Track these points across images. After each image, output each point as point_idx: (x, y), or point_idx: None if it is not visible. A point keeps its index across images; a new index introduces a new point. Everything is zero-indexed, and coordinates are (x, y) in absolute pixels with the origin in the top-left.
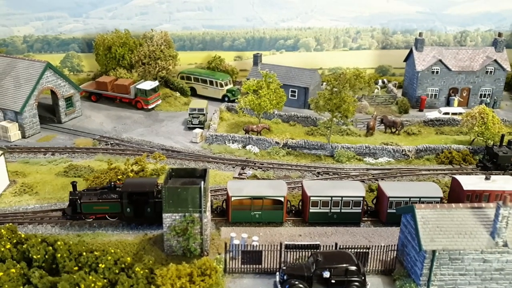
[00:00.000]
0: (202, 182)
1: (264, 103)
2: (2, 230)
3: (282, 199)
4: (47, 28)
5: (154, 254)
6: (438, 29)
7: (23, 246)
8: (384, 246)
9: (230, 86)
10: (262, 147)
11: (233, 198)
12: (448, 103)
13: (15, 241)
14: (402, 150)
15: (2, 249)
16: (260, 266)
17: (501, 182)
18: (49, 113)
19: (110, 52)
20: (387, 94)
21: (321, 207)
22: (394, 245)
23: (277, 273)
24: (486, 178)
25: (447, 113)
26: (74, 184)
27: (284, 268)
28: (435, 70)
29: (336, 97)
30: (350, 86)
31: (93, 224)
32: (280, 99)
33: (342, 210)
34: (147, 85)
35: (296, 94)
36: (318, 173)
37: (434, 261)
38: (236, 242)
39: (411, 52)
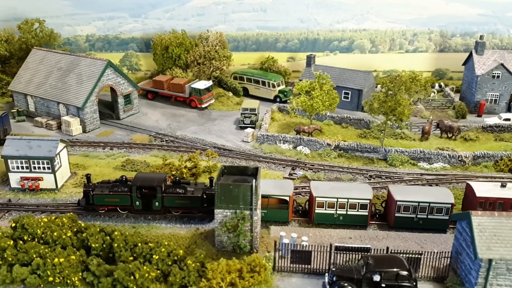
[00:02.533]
0: (254, 180)
1: (316, 104)
2: (64, 219)
3: (287, 198)
4: (108, 28)
5: (205, 248)
6: (501, 32)
7: (83, 235)
8: (437, 252)
9: (282, 87)
10: (313, 148)
11: None
12: (509, 109)
13: (75, 229)
14: (459, 156)
15: (64, 236)
16: (309, 266)
17: None
18: (108, 110)
19: (167, 52)
20: (444, 98)
21: (326, 208)
22: (448, 252)
23: (326, 274)
24: (502, 186)
25: (507, 119)
26: (88, 177)
27: (334, 269)
28: (496, 75)
29: (391, 100)
30: (405, 89)
31: (147, 216)
32: (333, 101)
33: (348, 212)
34: (202, 84)
35: (349, 96)
36: (370, 176)
37: (490, 271)
38: (285, 241)
39: (470, 55)
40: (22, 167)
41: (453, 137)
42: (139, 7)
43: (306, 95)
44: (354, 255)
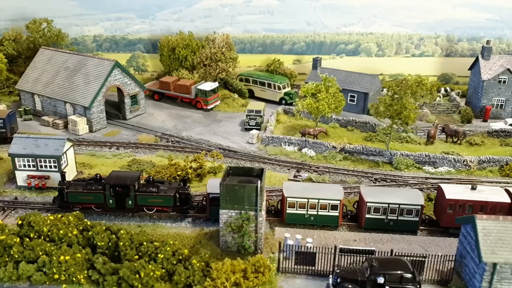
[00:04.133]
0: (259, 181)
1: (322, 107)
2: (70, 217)
3: None
4: (116, 28)
5: (209, 248)
6: (508, 37)
7: (89, 233)
8: (441, 255)
9: (288, 89)
10: (318, 150)
11: (211, 195)
12: None
13: (81, 227)
14: (464, 160)
15: (70, 234)
16: (313, 268)
17: (487, 193)
18: (115, 110)
19: (174, 53)
20: (450, 103)
21: (298, 209)
22: (452, 255)
23: (330, 276)
24: (472, 188)
25: None
26: (62, 174)
27: (338, 271)
28: (503, 80)
29: (397, 104)
30: (411, 93)
31: (153, 216)
32: (338, 104)
33: (319, 213)
34: (207, 86)
35: (355, 99)
36: (376, 179)
37: (494, 275)
38: (290, 242)
39: (477, 60)
40: (29, 165)
41: (459, 141)
42: (146, 8)
43: (312, 97)
44: (358, 258)
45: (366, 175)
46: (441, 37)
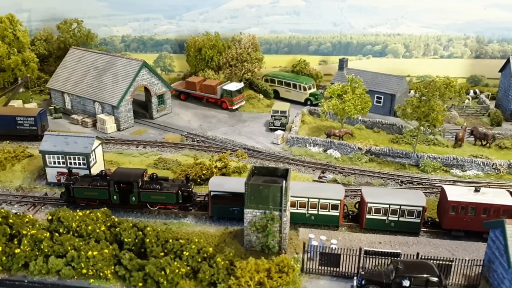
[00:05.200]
0: (284, 181)
1: (348, 108)
2: (98, 213)
3: None
4: (143, 29)
5: (234, 247)
6: None
7: (116, 229)
8: (468, 260)
9: (313, 90)
10: (343, 152)
11: (212, 193)
12: None
13: (109, 224)
14: (493, 164)
15: (98, 230)
16: (337, 269)
17: (490, 195)
18: (142, 109)
19: (200, 54)
20: (479, 105)
21: (298, 208)
22: (480, 260)
23: (355, 277)
24: (476, 190)
25: None
26: (70, 170)
27: (363, 273)
28: None
29: (424, 105)
30: (439, 94)
31: (178, 213)
32: (365, 105)
33: (320, 212)
34: (233, 86)
35: (381, 100)
36: (402, 182)
37: None
38: (314, 243)
39: (508, 62)
40: (59, 162)
41: (488, 144)
42: (174, 9)
43: (337, 98)
44: (383, 260)
45: (392, 177)
46: (471, 38)
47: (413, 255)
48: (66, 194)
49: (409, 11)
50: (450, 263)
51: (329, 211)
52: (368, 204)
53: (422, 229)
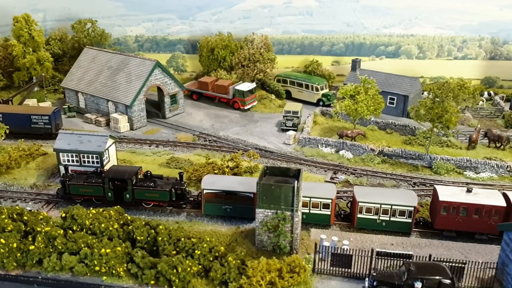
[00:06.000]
0: (296, 182)
1: (361, 109)
2: (111, 211)
3: (252, 195)
4: (157, 29)
5: (245, 246)
6: None
7: (129, 227)
8: (482, 262)
9: (326, 90)
10: (356, 153)
11: (205, 191)
12: None
13: (121, 222)
14: (507, 166)
15: (111, 228)
16: (349, 270)
17: (482, 196)
18: (155, 109)
19: (213, 54)
20: (493, 107)
21: None
22: (494, 263)
23: (367, 278)
24: (468, 191)
25: None
26: (66, 168)
27: (374, 274)
28: None
29: (438, 107)
30: (453, 96)
31: (190, 213)
32: (378, 106)
33: (311, 211)
34: (245, 86)
35: (394, 101)
36: (414, 183)
37: None
38: (326, 244)
39: None
40: (73, 161)
41: (502, 147)
42: (187, 9)
43: (350, 99)
44: (395, 262)
45: (405, 178)
46: (486, 39)
47: (426, 257)
48: (62, 190)
49: (423, 12)
50: (463, 265)
51: (320, 210)
52: (359, 204)
53: (413, 229)
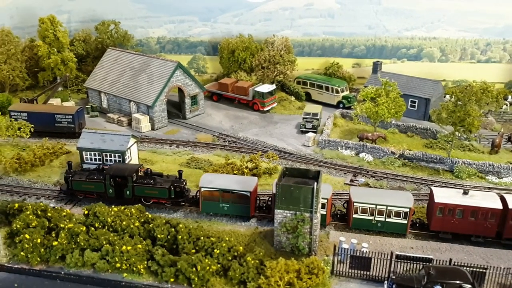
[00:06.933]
0: (315, 183)
1: (381, 112)
2: (132, 210)
3: (248, 194)
4: (178, 31)
5: (263, 247)
6: None
7: (149, 225)
8: (504, 268)
9: (346, 92)
10: (376, 156)
11: (203, 189)
12: None
13: (142, 220)
14: None
15: (132, 226)
16: (368, 273)
17: (479, 198)
18: (175, 109)
19: (233, 56)
20: None
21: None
22: None
23: (386, 281)
24: (464, 193)
25: None
26: (69, 164)
27: (394, 277)
28: None
29: (460, 110)
30: (476, 99)
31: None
32: (399, 109)
33: None
34: (265, 88)
35: (416, 104)
36: (435, 187)
37: None
38: (345, 246)
39: None
40: (95, 159)
41: None
42: (209, 11)
43: (371, 101)
44: (414, 265)
45: (425, 182)
46: (510, 42)
47: (446, 261)
48: (66, 186)
49: (447, 15)
50: (484, 270)
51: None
52: (355, 204)
53: (409, 231)
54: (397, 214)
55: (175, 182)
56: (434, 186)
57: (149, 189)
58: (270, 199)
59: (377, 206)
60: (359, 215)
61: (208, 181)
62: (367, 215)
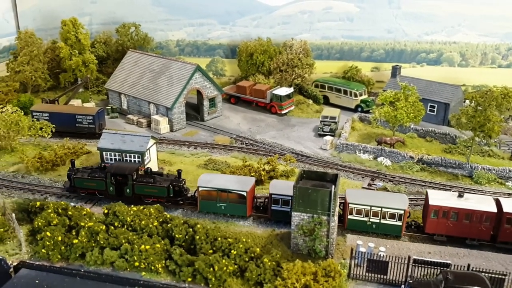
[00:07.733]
0: (333, 186)
1: (400, 116)
2: (151, 209)
3: (245, 194)
4: (198, 34)
5: (280, 249)
6: None
7: (168, 225)
8: None
9: (364, 96)
10: (394, 160)
11: (201, 189)
12: None
13: (161, 220)
14: None
15: (150, 225)
16: (385, 277)
17: (473, 202)
18: (194, 111)
19: (252, 59)
20: None
21: (282, 206)
22: None
23: (402, 286)
24: (459, 196)
25: None
26: (72, 162)
27: (411, 281)
28: None
29: (480, 115)
30: (496, 105)
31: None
32: (418, 113)
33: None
34: (283, 91)
35: (435, 109)
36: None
37: None
38: (362, 249)
39: None
40: (115, 159)
41: None
42: (228, 14)
43: (390, 105)
44: (432, 270)
45: (444, 187)
46: None
47: (464, 267)
48: (68, 183)
49: (468, 19)
50: (503, 276)
51: None
52: (350, 205)
53: (404, 232)
54: (392, 216)
55: (174, 181)
56: (430, 189)
57: (149, 187)
58: (266, 200)
59: (372, 208)
60: (354, 216)
61: (206, 181)
62: (362, 216)
